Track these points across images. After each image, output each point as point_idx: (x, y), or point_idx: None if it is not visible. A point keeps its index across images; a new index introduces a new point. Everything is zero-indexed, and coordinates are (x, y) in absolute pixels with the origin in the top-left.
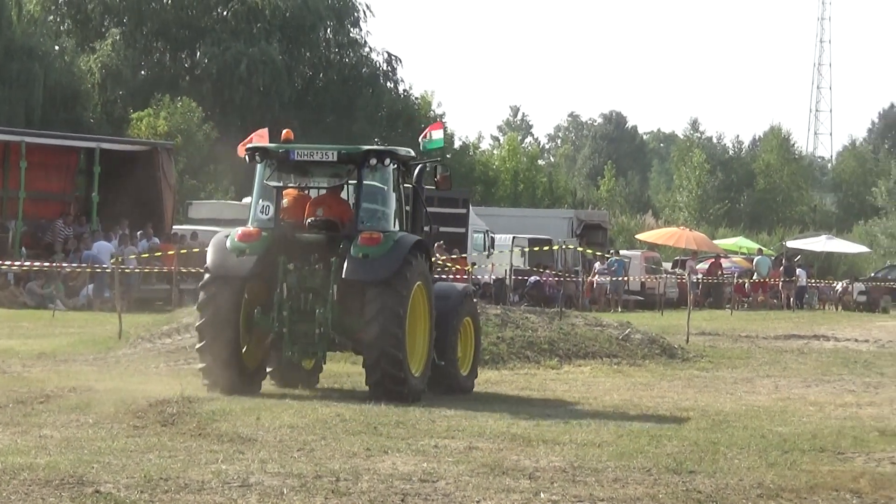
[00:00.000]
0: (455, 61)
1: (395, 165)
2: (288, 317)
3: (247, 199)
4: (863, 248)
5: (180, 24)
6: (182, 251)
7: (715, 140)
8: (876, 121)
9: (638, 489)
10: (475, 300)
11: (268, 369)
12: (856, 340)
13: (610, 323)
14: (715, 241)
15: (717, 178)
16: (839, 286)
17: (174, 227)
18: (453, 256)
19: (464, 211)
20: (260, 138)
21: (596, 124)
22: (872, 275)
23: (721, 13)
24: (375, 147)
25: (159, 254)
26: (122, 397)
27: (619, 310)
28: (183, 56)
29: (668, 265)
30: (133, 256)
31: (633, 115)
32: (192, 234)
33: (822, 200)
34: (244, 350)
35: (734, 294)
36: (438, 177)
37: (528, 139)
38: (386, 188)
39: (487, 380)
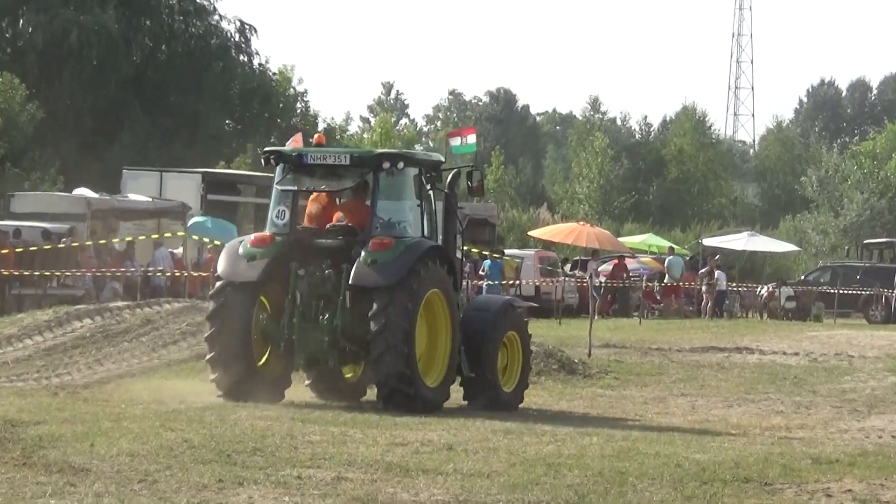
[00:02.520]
0: (319, 31)
1: (418, 170)
2: (298, 324)
3: (78, 191)
4: (791, 247)
5: None
6: (3, 251)
7: (619, 122)
8: (804, 99)
9: None
10: (521, 312)
11: (307, 381)
12: (784, 353)
13: None
14: (620, 239)
15: (622, 165)
16: (764, 291)
17: None
18: None
19: None
20: (295, 143)
21: (481, 104)
22: (802, 278)
23: None
24: (389, 151)
25: None
26: None
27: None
28: (3, 25)
29: (566, 267)
30: None
31: (523, 93)
32: (15, 230)
33: (743, 191)
34: (266, 357)
35: (643, 300)
36: (475, 183)
37: (404, 121)
38: (404, 193)
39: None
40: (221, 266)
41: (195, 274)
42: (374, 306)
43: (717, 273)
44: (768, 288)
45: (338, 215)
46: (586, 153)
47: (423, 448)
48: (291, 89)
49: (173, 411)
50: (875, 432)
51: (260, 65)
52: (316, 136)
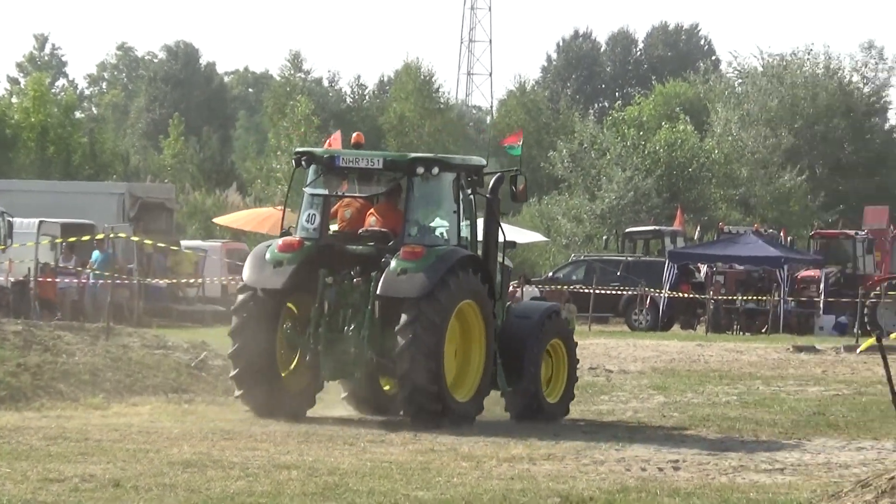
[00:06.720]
0: None
1: (455, 175)
2: (324, 334)
3: None
4: (536, 236)
5: None
6: None
7: (327, 83)
8: (553, 56)
9: None
10: (566, 319)
11: (343, 394)
12: None
13: (179, 344)
14: None
15: (329, 136)
16: None
17: None
18: None
19: None
20: (335, 142)
21: (156, 61)
22: (550, 274)
23: None
24: (424, 155)
25: None
26: None
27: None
28: None
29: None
30: None
31: (208, 49)
32: None
33: None
34: (293, 368)
35: None
36: (519, 188)
37: (62, 82)
38: (440, 199)
39: (4, 426)
40: (247, 272)
41: None
42: (402, 319)
43: None
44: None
45: (370, 219)
46: (286, 121)
47: (83, 485)
48: None
49: None
50: (638, 463)
51: None
52: (354, 135)
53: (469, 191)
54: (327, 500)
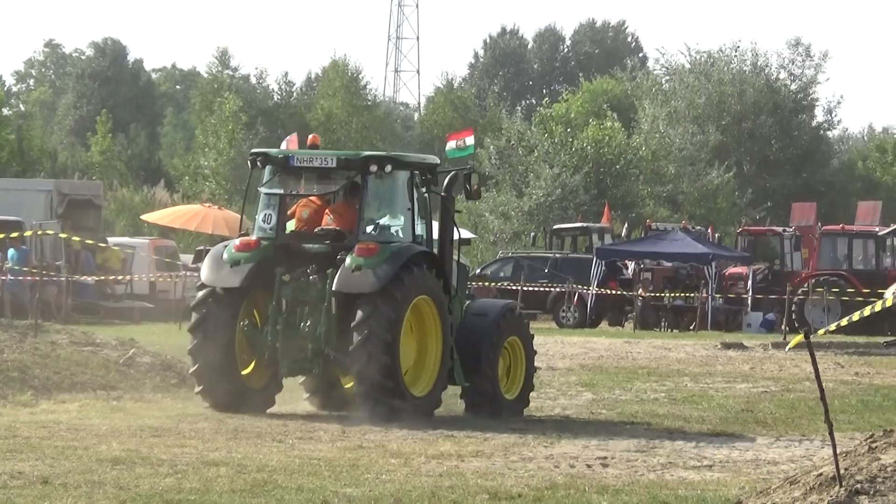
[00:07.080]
0: None
1: (409, 173)
2: (282, 331)
3: None
4: (464, 234)
5: None
6: None
7: (254, 80)
8: (480, 53)
9: None
10: (522, 316)
11: (305, 395)
12: None
13: (107, 341)
14: None
15: (256, 133)
16: None
17: None
18: None
19: None
20: (291, 144)
21: (84, 58)
22: (478, 271)
23: None
24: (377, 153)
25: None
26: None
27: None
28: None
29: (188, 258)
30: None
31: (135, 46)
32: None
33: None
34: (252, 366)
35: None
36: (475, 186)
37: None
38: (394, 196)
39: None
40: (205, 272)
41: None
42: (357, 315)
43: None
44: None
45: (326, 218)
46: (213, 118)
47: (11, 482)
48: None
49: None
50: (566, 460)
51: None
52: (310, 137)
53: (424, 189)
54: (256, 496)
